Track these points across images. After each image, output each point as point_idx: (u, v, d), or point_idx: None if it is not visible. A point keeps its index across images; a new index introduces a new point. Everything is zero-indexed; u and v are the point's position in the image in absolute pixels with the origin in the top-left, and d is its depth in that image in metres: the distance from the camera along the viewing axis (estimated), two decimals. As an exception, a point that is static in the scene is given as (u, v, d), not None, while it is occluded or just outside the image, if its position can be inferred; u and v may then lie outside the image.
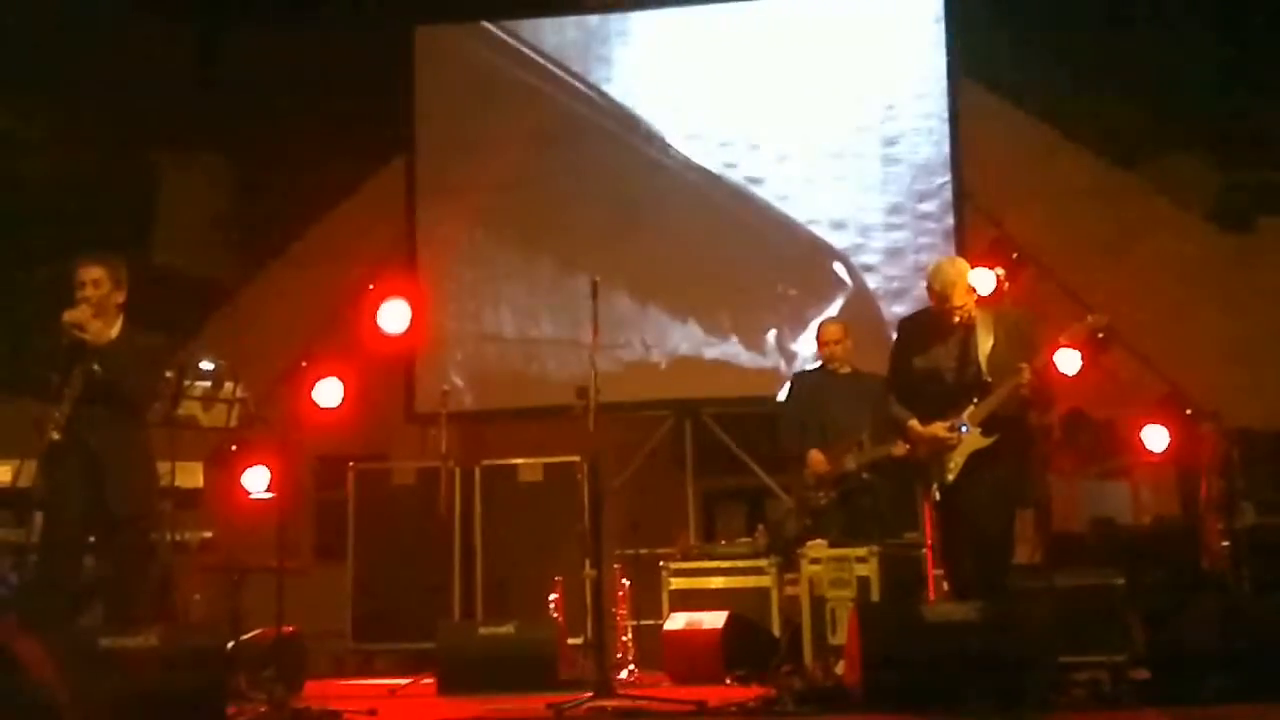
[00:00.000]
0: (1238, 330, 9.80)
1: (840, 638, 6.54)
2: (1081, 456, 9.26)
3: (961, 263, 6.42)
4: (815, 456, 7.42)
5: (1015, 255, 9.19)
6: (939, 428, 6.14)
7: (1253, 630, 5.28)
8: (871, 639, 5.26)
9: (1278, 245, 10.19)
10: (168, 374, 6.56)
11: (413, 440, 9.90)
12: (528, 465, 8.97)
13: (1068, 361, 7.89)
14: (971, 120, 9.90)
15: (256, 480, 9.09)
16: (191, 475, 7.43)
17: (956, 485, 6.11)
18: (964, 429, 6.10)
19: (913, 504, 7.25)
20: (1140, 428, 9.11)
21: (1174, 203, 10.53)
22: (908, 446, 6.39)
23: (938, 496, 6.18)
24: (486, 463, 9.04)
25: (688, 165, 10.07)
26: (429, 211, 10.33)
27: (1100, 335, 6.68)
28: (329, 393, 9.33)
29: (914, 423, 6.25)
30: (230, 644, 6.14)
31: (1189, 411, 8.86)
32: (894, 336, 6.61)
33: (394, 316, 9.62)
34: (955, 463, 6.11)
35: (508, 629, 7.07)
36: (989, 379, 6.11)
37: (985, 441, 6.07)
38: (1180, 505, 8.91)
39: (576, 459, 8.47)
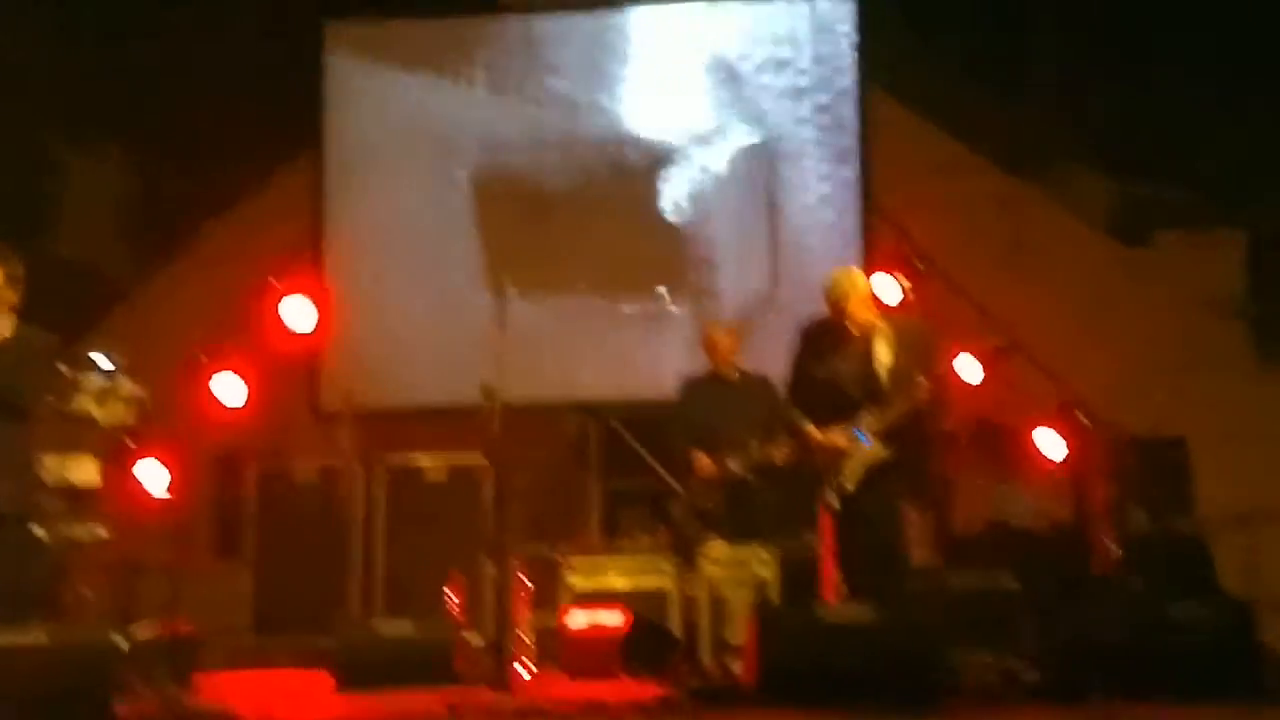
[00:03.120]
0: (1132, 341, 10.00)
1: (738, 637, 6.61)
2: (982, 461, 9.41)
3: (857, 274, 6.52)
4: (701, 460, 7.45)
5: (920, 264, 9.31)
6: (838, 436, 6.22)
7: (1140, 631, 5.40)
8: (769, 639, 5.32)
9: (1172, 259, 10.41)
10: (61, 368, 6.45)
11: (316, 438, 9.82)
12: (432, 464, 8.93)
13: (969, 370, 8.00)
14: (880, 130, 10.03)
15: (154, 478, 8.96)
16: (88, 472, 7.32)
17: (855, 494, 6.21)
18: (862, 438, 6.18)
19: (808, 506, 7.30)
20: (1038, 434, 9.27)
21: (1074, 215, 10.73)
22: (791, 453, 6.47)
23: (835, 503, 6.28)
24: (390, 461, 9.00)
25: (598, 164, 10.09)
26: (335, 208, 10.25)
27: (998, 347, 6.82)
28: (230, 390, 9.22)
29: (812, 429, 6.33)
30: (121, 641, 6.06)
31: (1084, 419, 9.03)
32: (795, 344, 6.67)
33: (298, 313, 9.52)
34: (854, 471, 6.21)
35: (406, 625, 7.03)
36: (888, 390, 6.20)
37: (884, 452, 6.17)
38: (1074, 510, 9.08)
39: (481, 459, 8.43)
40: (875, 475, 6.19)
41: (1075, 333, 9.95)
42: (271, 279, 9.65)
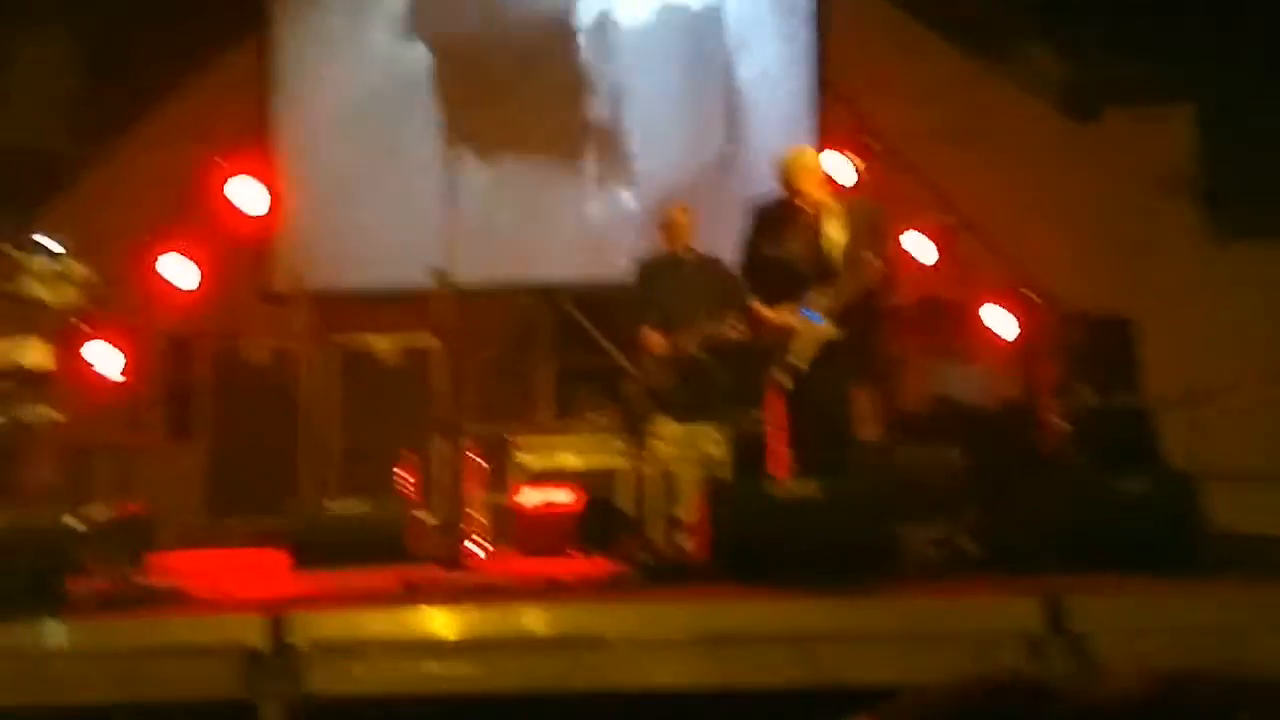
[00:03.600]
0: (1083, 219, 9.99)
1: (688, 514, 6.65)
2: (931, 338, 9.41)
3: (810, 153, 6.48)
4: (652, 337, 7.45)
5: (872, 143, 9.23)
6: (788, 315, 6.21)
7: (1085, 506, 5.45)
8: (719, 515, 5.35)
9: (1122, 135, 10.37)
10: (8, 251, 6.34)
11: (267, 320, 9.72)
12: (383, 345, 8.88)
13: (921, 248, 7.99)
14: (833, 8, 9.90)
15: (106, 360, 8.86)
16: (39, 355, 7.22)
17: (805, 372, 6.20)
18: (813, 317, 6.16)
19: (759, 384, 7.31)
20: (988, 312, 9.27)
21: (1025, 92, 10.65)
22: (742, 329, 6.46)
23: (786, 380, 6.27)
24: (342, 342, 8.93)
25: (552, 43, 9.93)
26: (284, 88, 10.05)
27: (948, 226, 6.80)
28: (181, 272, 9.10)
29: (763, 308, 6.31)
30: (75, 522, 6.02)
31: (1033, 297, 9.03)
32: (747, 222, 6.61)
33: (247, 195, 9.37)
34: (803, 349, 6.20)
35: (359, 505, 7.03)
36: (838, 269, 6.18)
37: (833, 331, 6.16)
38: (1022, 387, 9.12)
39: (433, 340, 8.37)
40: (825, 353, 6.21)
41: (1026, 211, 9.92)
42: (220, 160, 9.49)
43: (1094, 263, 9.72)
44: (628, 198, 9.83)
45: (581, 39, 9.98)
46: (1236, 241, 10.05)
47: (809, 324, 6.19)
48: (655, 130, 9.89)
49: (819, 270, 6.22)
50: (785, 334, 6.23)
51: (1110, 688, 1.34)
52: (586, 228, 9.84)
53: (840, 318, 6.17)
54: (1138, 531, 5.19)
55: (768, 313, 6.30)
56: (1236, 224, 10.05)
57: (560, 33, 9.96)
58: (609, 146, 9.90)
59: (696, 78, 9.91)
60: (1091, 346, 9.05)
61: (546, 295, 9.85)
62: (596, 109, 9.93)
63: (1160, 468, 7.76)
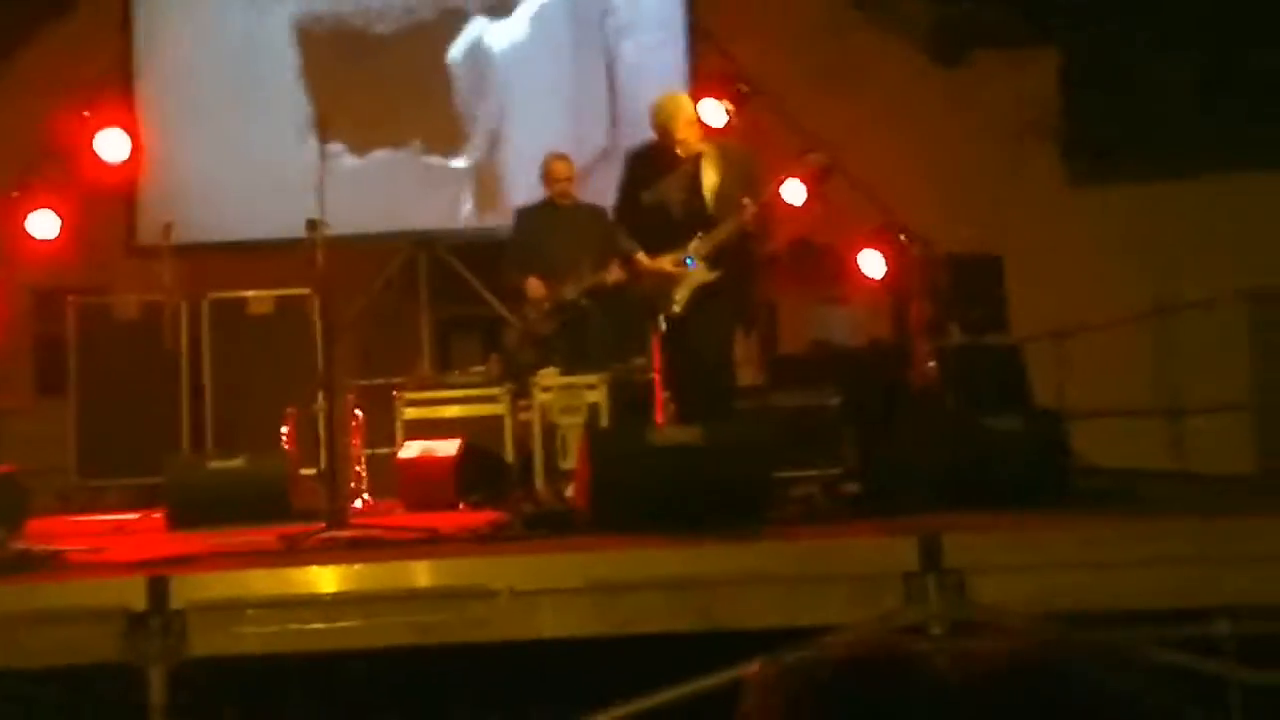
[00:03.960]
0: (948, 161, 10.13)
1: (571, 462, 6.67)
2: (805, 282, 9.51)
3: (682, 98, 6.46)
4: (533, 285, 7.47)
5: (743, 87, 9.24)
6: (666, 261, 6.23)
7: (957, 444, 5.54)
8: (599, 463, 5.33)
9: (988, 79, 10.51)
10: None
11: (135, 274, 9.51)
12: (257, 298, 8.75)
13: (792, 192, 8.01)
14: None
15: (-31, 317, 8.63)
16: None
17: (682, 316, 6.23)
18: (690, 262, 6.19)
19: (640, 331, 7.35)
20: (858, 254, 9.38)
21: (894, 37, 10.75)
22: (623, 274, 6.47)
23: (664, 327, 6.30)
24: (214, 296, 8.78)
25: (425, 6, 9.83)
26: (147, 36, 9.82)
27: (821, 169, 6.83)
28: (44, 224, 8.85)
29: (641, 255, 6.32)
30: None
31: (902, 238, 9.15)
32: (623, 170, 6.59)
33: (111, 145, 9.12)
34: (681, 295, 6.23)
35: (238, 462, 6.89)
36: (714, 214, 6.20)
37: (711, 275, 6.20)
38: (894, 328, 9.26)
39: (307, 291, 8.25)
40: (702, 298, 6.23)
41: (895, 153, 10.03)
42: (81, 110, 9.22)
43: (961, 204, 9.88)
44: (505, 148, 9.77)
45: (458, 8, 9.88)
46: (1094, 184, 10.27)
47: (685, 269, 6.20)
48: (535, 83, 9.82)
49: (695, 216, 6.23)
50: (663, 279, 6.24)
51: (976, 663, 1.38)
52: (463, 177, 9.76)
53: (716, 262, 6.20)
54: (1009, 469, 5.28)
55: (644, 259, 6.30)
56: (1094, 168, 10.27)
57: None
58: (486, 117, 9.84)
59: (575, 30, 9.86)
60: (960, 286, 9.22)
61: (422, 243, 9.77)
62: (473, 78, 9.85)
63: (1029, 405, 7.95)
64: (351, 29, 9.85)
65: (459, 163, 9.79)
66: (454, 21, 9.88)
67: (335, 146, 9.29)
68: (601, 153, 9.39)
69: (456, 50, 9.86)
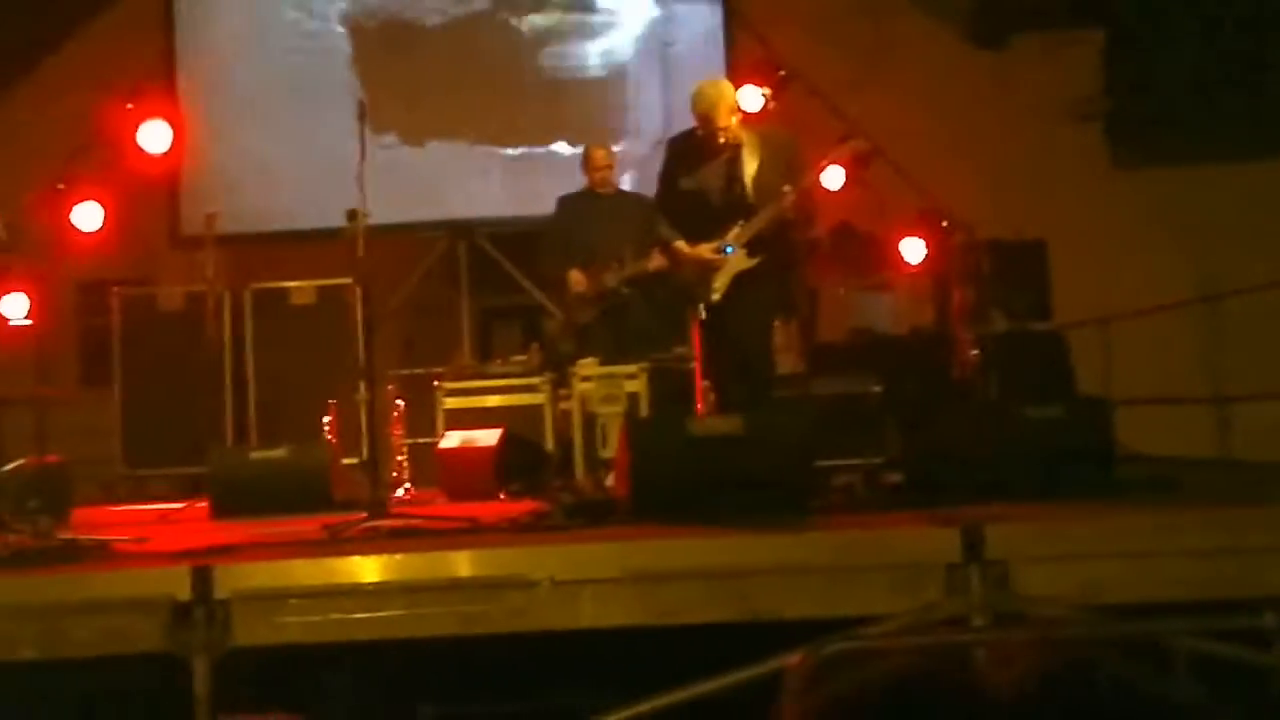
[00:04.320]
0: (990, 146, 10.06)
1: (610, 452, 6.67)
2: (846, 269, 9.46)
3: (724, 84, 6.41)
4: (575, 276, 7.48)
5: (782, 73, 9.20)
6: (705, 249, 6.21)
7: (999, 432, 5.51)
8: (639, 453, 5.33)
9: (1030, 62, 10.43)
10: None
11: (179, 264, 9.58)
12: (299, 288, 8.79)
13: (832, 177, 8.00)
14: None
15: (15, 307, 8.68)
16: (-53, 303, 7.09)
17: (722, 304, 6.20)
18: (729, 250, 6.16)
19: (680, 320, 7.33)
20: (900, 241, 9.32)
21: (934, 21, 10.67)
22: (665, 261, 6.46)
23: (704, 315, 6.27)
24: (256, 286, 8.83)
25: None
26: (189, 29, 9.88)
27: (861, 155, 6.80)
28: (89, 216, 8.91)
29: (680, 243, 6.30)
30: (-10, 475, 5.92)
31: (944, 224, 9.09)
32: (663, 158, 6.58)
33: (155, 137, 9.16)
34: (721, 282, 6.20)
35: (281, 452, 6.92)
36: (754, 201, 6.16)
37: (750, 262, 6.17)
38: (936, 315, 9.20)
39: (348, 281, 8.28)
40: (742, 285, 6.20)
41: (936, 138, 9.99)
42: (125, 102, 9.27)
43: (1003, 189, 9.82)
44: (545, 139, 9.78)
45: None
46: (1139, 168, 10.17)
47: (725, 257, 6.18)
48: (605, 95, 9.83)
49: (735, 203, 6.20)
50: (702, 267, 6.22)
51: (1011, 676, 1.38)
52: (504, 166, 9.77)
53: (756, 249, 6.16)
54: (1053, 458, 5.24)
55: (685, 247, 6.27)
56: (1139, 151, 10.17)
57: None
58: (530, 88, 9.86)
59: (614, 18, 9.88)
60: (1003, 272, 9.14)
61: (463, 232, 9.79)
62: (517, 51, 9.87)
63: (1073, 393, 7.89)
64: (401, 20, 9.88)
65: (509, 152, 9.78)
66: (505, 12, 9.88)
67: (385, 137, 9.35)
68: (655, 144, 9.40)
69: (507, 40, 9.87)
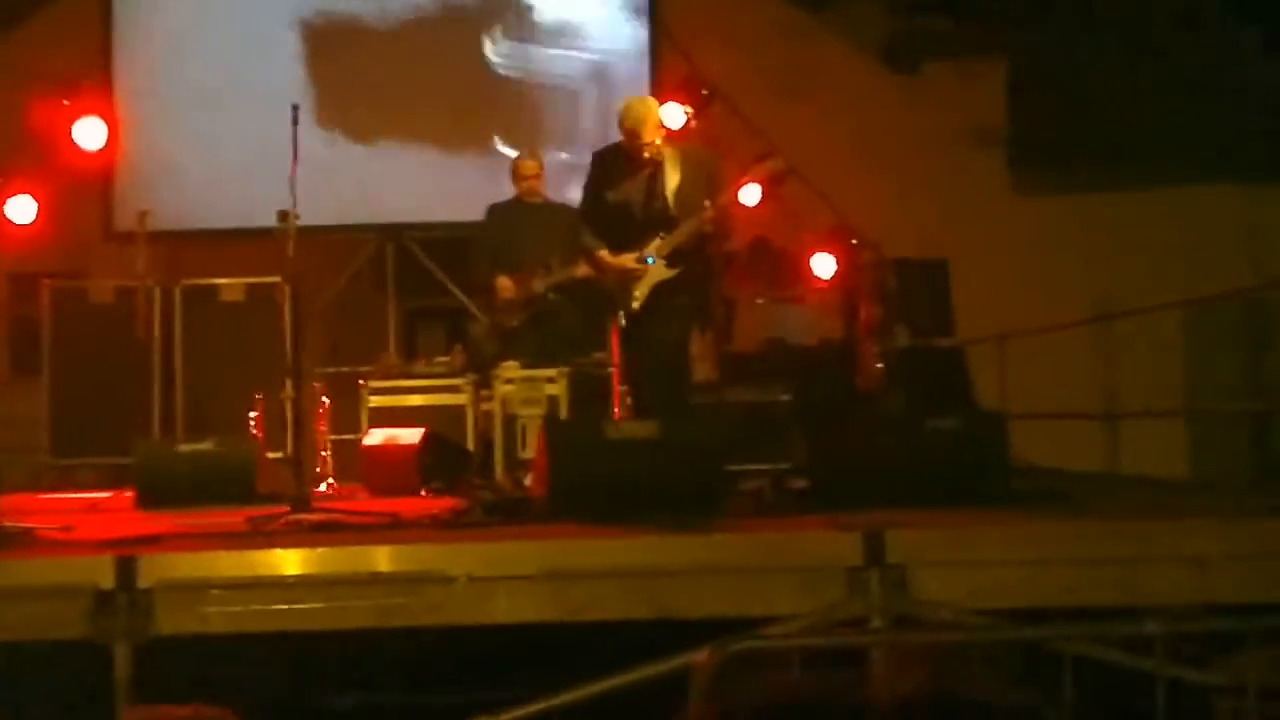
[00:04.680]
0: (900, 167, 10.16)
1: (529, 452, 6.67)
2: (760, 281, 9.52)
3: (651, 101, 6.47)
4: (503, 282, 7.48)
5: (705, 92, 9.25)
6: (627, 259, 6.23)
7: (901, 443, 5.56)
8: (557, 454, 5.33)
9: (939, 88, 10.55)
10: None
11: (111, 259, 9.43)
12: (229, 285, 8.71)
13: (749, 194, 8.03)
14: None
15: (-52, 298, 8.55)
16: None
17: (641, 312, 6.24)
18: (650, 260, 6.20)
19: (602, 326, 7.36)
20: (812, 256, 9.41)
21: (851, 45, 10.77)
22: (591, 269, 6.49)
23: (623, 322, 6.31)
24: (187, 282, 8.73)
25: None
26: (127, 26, 9.73)
27: (777, 173, 6.85)
28: (22, 209, 8.79)
29: (603, 252, 6.33)
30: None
31: (854, 242, 9.19)
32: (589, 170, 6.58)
33: (90, 134, 9.04)
34: (641, 291, 6.24)
35: (207, 445, 6.84)
36: (675, 214, 6.20)
37: (670, 273, 6.22)
38: (844, 328, 9.28)
39: (278, 280, 8.19)
40: (661, 295, 6.23)
41: (849, 159, 10.08)
42: (61, 98, 9.13)
43: (910, 210, 9.92)
44: (474, 146, 9.73)
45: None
46: (1039, 193, 10.33)
47: (646, 267, 6.21)
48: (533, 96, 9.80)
49: (657, 215, 6.23)
50: (624, 276, 6.25)
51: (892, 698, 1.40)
52: (433, 171, 9.71)
53: (676, 260, 6.20)
54: (951, 468, 5.30)
55: (607, 256, 6.30)
56: (1039, 177, 10.33)
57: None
58: (462, 94, 9.81)
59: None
60: (908, 289, 9.25)
61: (391, 234, 9.73)
62: (449, 60, 9.83)
63: (972, 406, 7.99)
64: (346, 19, 9.79)
65: (445, 157, 9.72)
66: (452, 18, 9.83)
67: (326, 135, 9.28)
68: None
69: (452, 43, 9.82)
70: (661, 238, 6.21)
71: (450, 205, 9.42)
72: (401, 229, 9.69)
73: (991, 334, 8.71)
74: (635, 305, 6.25)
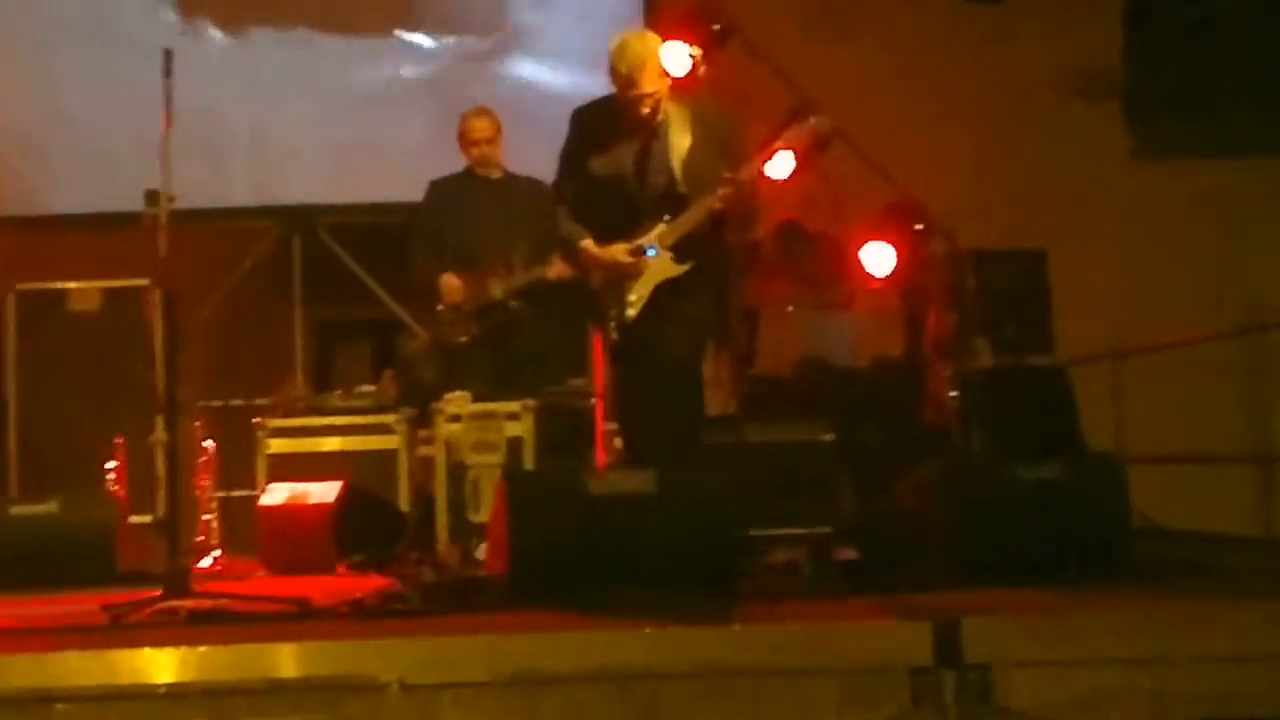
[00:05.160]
0: (979, 127, 10.16)
1: (484, 515, 6.67)
2: (792, 282, 9.50)
3: (652, 38, 6.44)
4: (450, 283, 7.50)
5: (716, 27, 9.24)
6: (619, 250, 6.24)
7: (981, 498, 5.56)
8: (522, 516, 5.33)
9: (1034, 25, 10.55)
10: None
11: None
12: (79, 290, 8.72)
13: (779, 164, 8.04)
14: None
15: None
16: None
17: (639, 322, 6.22)
18: (651, 253, 6.18)
19: (583, 343, 7.36)
20: (861, 247, 9.35)
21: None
22: (565, 267, 6.48)
23: (615, 336, 6.29)
24: (22, 287, 8.75)
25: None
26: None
27: (821, 136, 6.85)
28: None
29: (588, 243, 6.32)
30: None
31: (919, 227, 9.15)
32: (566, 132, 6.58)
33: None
34: (639, 294, 6.24)
35: (49, 506, 6.85)
36: (684, 190, 6.20)
37: (677, 270, 6.21)
38: (906, 345, 9.26)
39: (145, 283, 8.21)
40: (664, 299, 6.22)
41: (912, 115, 10.07)
42: None
43: (995, 184, 9.92)
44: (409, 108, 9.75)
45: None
46: (1167, 158, 10.32)
47: (645, 261, 6.20)
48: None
49: (660, 193, 6.25)
50: (616, 276, 6.23)
51: None
52: (355, 141, 9.71)
53: (685, 253, 6.19)
54: (1050, 532, 5.29)
55: (593, 249, 6.29)
56: (1168, 137, 10.33)
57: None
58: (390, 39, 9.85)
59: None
60: (992, 290, 9.22)
61: (298, 221, 9.74)
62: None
63: (1077, 448, 7.97)
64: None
65: (355, 121, 9.73)
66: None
67: (188, 96, 9.27)
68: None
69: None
70: (666, 222, 6.21)
71: (377, 181, 9.43)
72: (312, 213, 9.69)
73: (1104, 350, 8.71)
74: (630, 314, 6.24)
